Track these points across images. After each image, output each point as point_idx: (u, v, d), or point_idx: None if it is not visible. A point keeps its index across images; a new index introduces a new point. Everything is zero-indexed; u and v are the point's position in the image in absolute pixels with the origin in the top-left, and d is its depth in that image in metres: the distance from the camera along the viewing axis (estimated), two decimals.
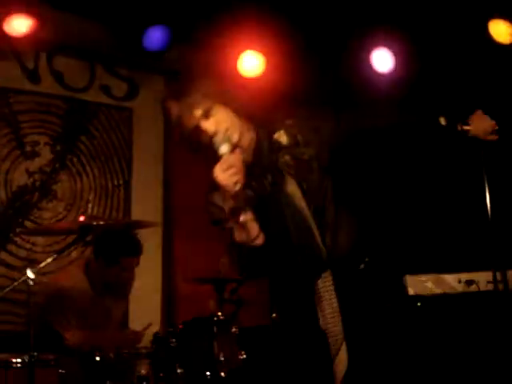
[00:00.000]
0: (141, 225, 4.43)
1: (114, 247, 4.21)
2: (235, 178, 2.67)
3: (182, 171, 5.71)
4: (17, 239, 5.16)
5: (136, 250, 4.27)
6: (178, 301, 5.42)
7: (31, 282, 3.71)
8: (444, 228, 5.48)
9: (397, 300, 4.38)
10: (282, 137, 2.89)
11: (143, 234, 4.41)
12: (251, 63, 5.52)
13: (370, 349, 2.86)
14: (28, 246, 5.15)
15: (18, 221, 5.19)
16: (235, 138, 2.78)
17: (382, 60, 5.53)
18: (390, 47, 5.47)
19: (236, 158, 2.73)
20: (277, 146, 2.89)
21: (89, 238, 3.87)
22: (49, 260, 3.91)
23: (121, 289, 4.42)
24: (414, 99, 5.29)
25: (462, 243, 5.23)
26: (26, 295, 3.77)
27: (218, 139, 2.74)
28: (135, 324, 5.19)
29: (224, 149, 2.72)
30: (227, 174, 2.67)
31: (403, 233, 5.61)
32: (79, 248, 4.11)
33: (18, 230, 5.15)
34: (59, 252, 3.90)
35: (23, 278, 3.75)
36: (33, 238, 5.14)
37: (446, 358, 4.16)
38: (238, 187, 2.68)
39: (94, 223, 3.73)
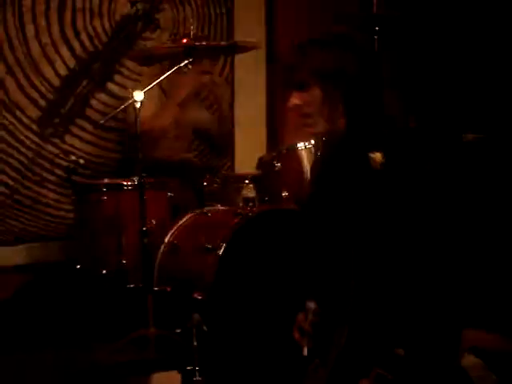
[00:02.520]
0: (243, 46, 4.37)
1: None
2: None
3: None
4: (122, 69, 5.20)
5: None
6: (281, 128, 5.44)
7: (138, 105, 3.78)
8: None
9: None
10: None
11: (246, 60, 4.42)
12: None
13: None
14: (134, 76, 5.19)
15: (122, 51, 5.20)
16: None
17: None
18: None
19: None
20: None
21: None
22: (153, 84, 3.96)
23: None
24: None
25: None
26: (133, 118, 3.86)
27: None
28: (241, 151, 5.32)
29: None
30: None
31: None
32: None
33: (122, 59, 5.18)
34: (163, 75, 3.94)
35: (130, 101, 3.83)
36: (139, 68, 5.16)
37: None
38: None
39: (197, 43, 3.73)
